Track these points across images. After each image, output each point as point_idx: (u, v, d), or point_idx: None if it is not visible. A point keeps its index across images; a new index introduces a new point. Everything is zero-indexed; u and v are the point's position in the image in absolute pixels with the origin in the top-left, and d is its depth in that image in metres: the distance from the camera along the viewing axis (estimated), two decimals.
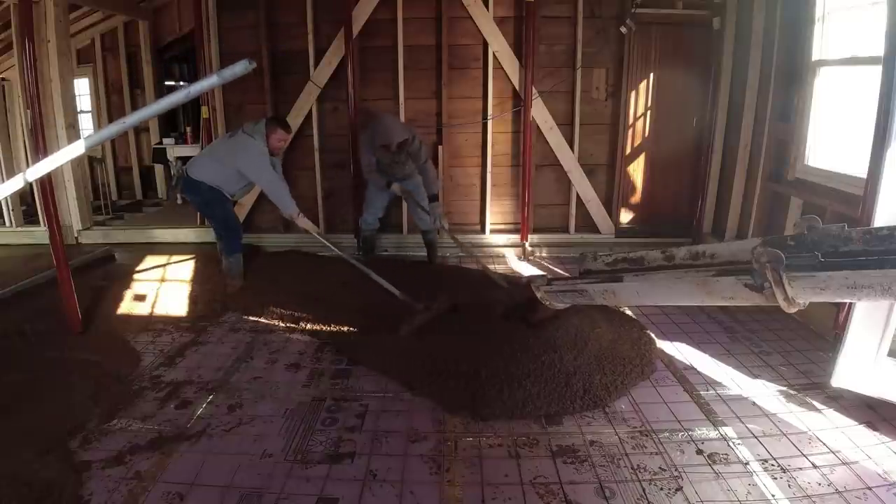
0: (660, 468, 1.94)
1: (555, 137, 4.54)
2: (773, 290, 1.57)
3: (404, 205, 4.73)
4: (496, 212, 4.77)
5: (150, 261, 4.12)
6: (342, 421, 2.25)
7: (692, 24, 4.34)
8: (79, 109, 4.88)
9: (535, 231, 4.71)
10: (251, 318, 3.28)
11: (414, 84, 4.53)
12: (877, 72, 2.36)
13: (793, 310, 1.63)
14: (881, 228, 1.63)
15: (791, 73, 3.55)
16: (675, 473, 1.91)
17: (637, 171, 4.66)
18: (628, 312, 3.24)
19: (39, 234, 4.53)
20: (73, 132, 4.62)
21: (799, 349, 2.82)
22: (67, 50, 4.56)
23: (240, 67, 1.22)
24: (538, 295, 2.46)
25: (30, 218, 5.03)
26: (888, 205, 2.14)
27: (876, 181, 2.18)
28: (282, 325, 3.19)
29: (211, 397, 2.43)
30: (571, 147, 4.58)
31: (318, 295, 3.48)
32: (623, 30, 4.29)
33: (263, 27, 4.46)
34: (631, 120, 4.53)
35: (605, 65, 4.47)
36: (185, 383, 2.55)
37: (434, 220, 3.85)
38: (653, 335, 2.93)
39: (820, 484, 1.83)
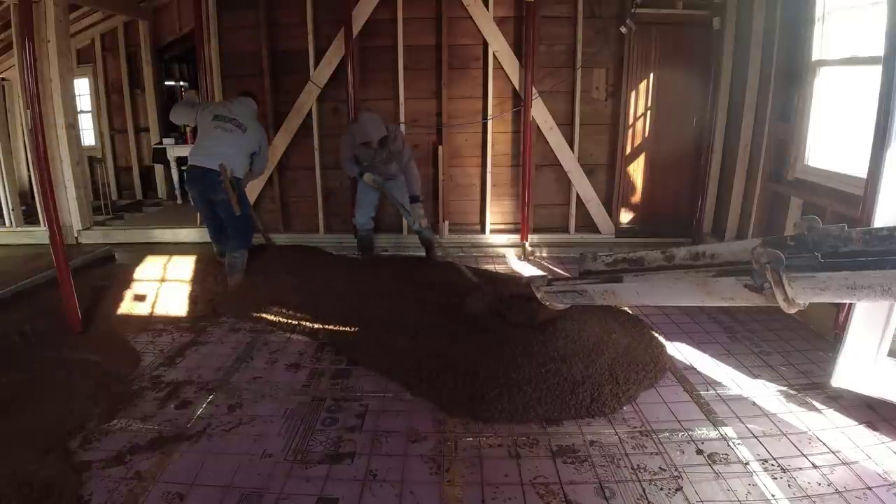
0: (660, 468, 1.94)
1: (555, 137, 4.54)
2: (773, 290, 1.57)
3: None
4: (496, 212, 4.77)
5: (150, 261, 4.12)
6: (342, 421, 2.25)
7: (692, 24, 4.35)
8: (79, 109, 4.88)
9: (535, 231, 4.71)
10: (251, 317, 3.28)
11: (414, 84, 4.54)
12: (877, 72, 2.36)
13: (793, 310, 1.63)
14: (881, 229, 1.63)
15: (791, 73, 3.55)
16: (675, 473, 1.91)
17: (637, 171, 4.66)
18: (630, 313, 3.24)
19: (39, 234, 4.53)
20: (73, 132, 4.62)
21: (799, 349, 2.82)
22: (67, 50, 4.56)
23: None
24: (538, 295, 2.46)
25: (30, 218, 5.03)
26: (888, 205, 2.14)
27: (876, 181, 2.18)
28: (282, 324, 3.18)
29: (211, 397, 2.43)
30: (571, 147, 4.58)
31: (317, 294, 3.48)
32: (623, 30, 4.29)
33: (263, 27, 4.46)
34: (631, 120, 4.54)
35: (605, 65, 4.47)
36: (185, 383, 2.55)
37: (413, 222, 3.93)
38: (661, 338, 2.93)
39: (820, 484, 1.83)
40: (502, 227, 4.78)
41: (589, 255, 2.37)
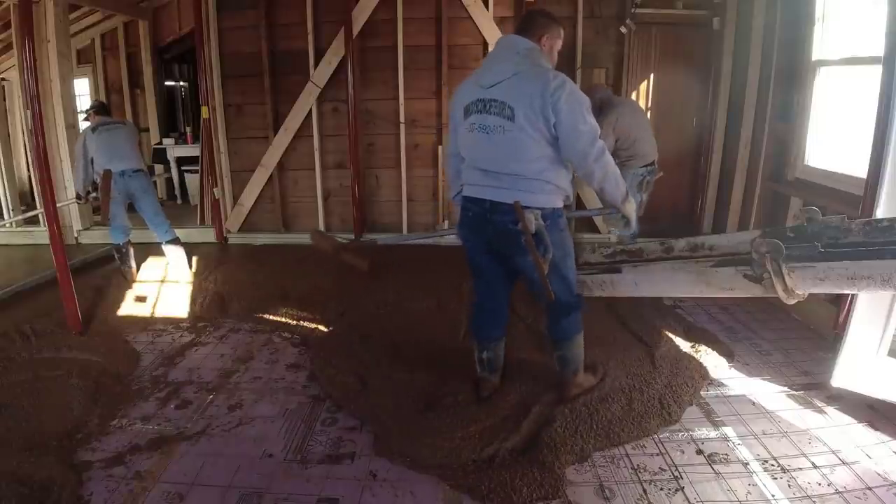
0: (660, 468, 1.94)
1: None
2: (773, 280, 1.57)
3: (404, 203, 4.75)
4: None
5: (150, 261, 4.12)
6: (342, 421, 2.24)
7: (692, 24, 4.35)
8: (79, 109, 4.88)
9: None
10: (251, 317, 3.28)
11: (414, 84, 4.54)
12: (877, 72, 2.36)
13: (792, 301, 1.62)
14: (881, 220, 1.63)
15: (791, 73, 3.55)
16: (676, 473, 1.91)
17: None
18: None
19: (39, 234, 4.53)
20: (73, 132, 4.62)
21: (799, 349, 2.81)
22: (67, 50, 4.57)
23: None
24: None
25: (30, 218, 5.02)
26: (888, 205, 2.14)
27: (876, 181, 2.18)
28: (282, 325, 3.18)
29: (211, 397, 2.43)
30: None
31: (319, 293, 3.48)
32: (623, 30, 4.29)
33: (263, 27, 4.46)
34: None
35: (605, 65, 4.47)
36: (185, 383, 2.55)
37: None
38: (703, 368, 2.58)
39: (820, 484, 1.83)
40: None
41: (587, 246, 2.37)
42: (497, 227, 1.96)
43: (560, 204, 1.99)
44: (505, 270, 2.18)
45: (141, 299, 3.55)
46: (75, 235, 4.82)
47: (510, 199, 1.88)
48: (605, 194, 2.01)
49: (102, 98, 6.36)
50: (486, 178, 1.95)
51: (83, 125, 4.16)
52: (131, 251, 3.81)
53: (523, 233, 1.86)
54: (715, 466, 1.94)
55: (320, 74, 4.48)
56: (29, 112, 2.87)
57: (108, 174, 3.57)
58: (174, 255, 3.85)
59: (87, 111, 3.99)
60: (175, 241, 3.87)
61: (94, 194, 3.80)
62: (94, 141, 3.63)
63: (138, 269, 3.93)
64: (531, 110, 1.83)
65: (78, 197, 3.90)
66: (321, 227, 4.84)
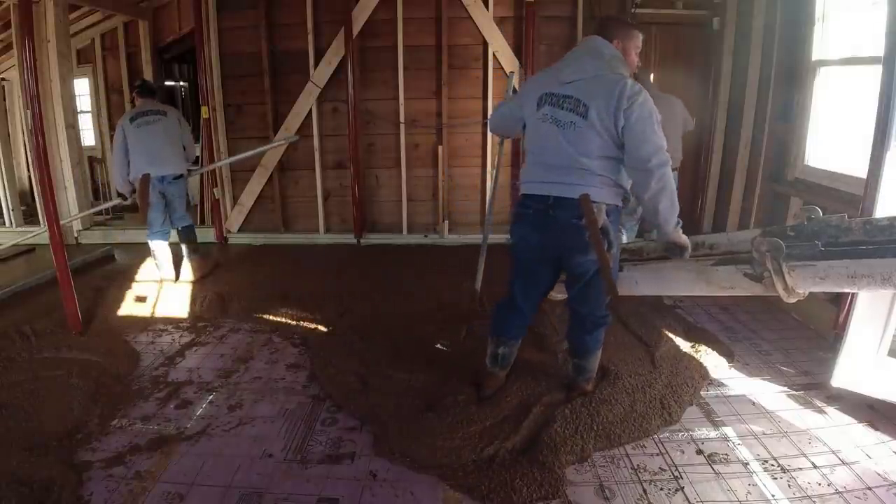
0: (660, 468, 1.94)
1: None
2: (773, 279, 1.57)
3: (404, 203, 4.75)
4: (497, 212, 4.76)
5: (150, 261, 4.11)
6: (342, 421, 2.24)
7: (692, 24, 4.35)
8: (79, 109, 4.89)
9: None
10: (251, 317, 3.28)
11: (414, 84, 4.54)
12: (877, 72, 2.36)
13: (792, 300, 1.62)
14: (881, 219, 1.63)
15: (791, 73, 3.55)
16: (676, 473, 1.90)
17: None
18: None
19: (39, 234, 4.54)
20: (73, 132, 4.63)
21: (799, 349, 2.81)
22: (67, 50, 4.57)
23: None
24: None
25: (30, 218, 5.03)
26: (888, 205, 2.14)
27: (876, 181, 2.18)
28: (282, 325, 3.18)
29: (211, 397, 2.43)
30: None
31: (319, 293, 3.48)
32: None
33: (263, 27, 4.46)
34: None
35: None
36: (185, 383, 2.55)
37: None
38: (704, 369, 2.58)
39: (820, 484, 1.83)
40: (504, 227, 4.77)
41: None
42: (559, 223, 1.94)
43: (620, 202, 2.00)
44: (551, 273, 2.18)
45: (141, 299, 3.55)
46: (75, 235, 4.82)
47: (574, 194, 1.88)
48: (658, 215, 1.93)
49: (103, 98, 6.35)
50: (549, 173, 1.94)
51: (83, 125, 4.12)
52: (163, 253, 3.69)
53: (587, 228, 1.87)
54: (715, 466, 1.94)
55: (320, 74, 4.49)
56: (29, 112, 2.87)
57: (146, 179, 3.34)
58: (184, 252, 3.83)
59: (132, 93, 3.72)
60: (192, 238, 3.84)
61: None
62: (133, 135, 3.36)
63: (139, 268, 3.92)
64: (605, 111, 1.85)
65: (123, 198, 3.64)
66: (321, 227, 4.84)
